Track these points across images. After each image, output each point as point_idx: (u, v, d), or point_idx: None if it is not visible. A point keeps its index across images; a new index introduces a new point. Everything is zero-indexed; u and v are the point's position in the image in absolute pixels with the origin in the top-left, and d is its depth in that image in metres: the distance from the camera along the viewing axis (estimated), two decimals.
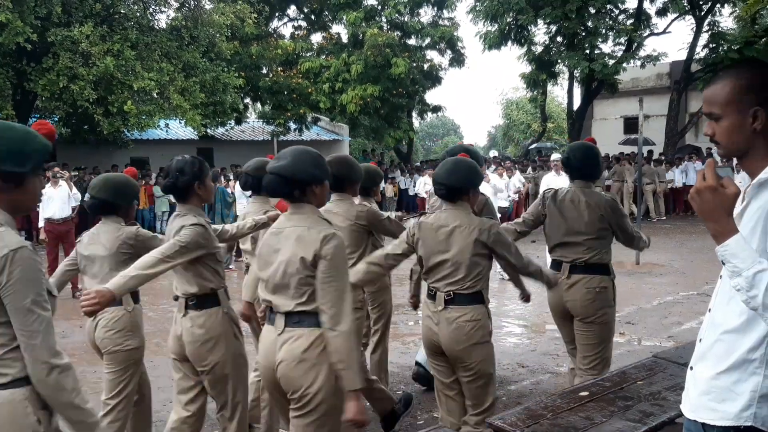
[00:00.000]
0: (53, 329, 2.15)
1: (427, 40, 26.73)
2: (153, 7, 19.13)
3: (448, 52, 27.29)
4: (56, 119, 19.28)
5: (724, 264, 1.80)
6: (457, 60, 27.30)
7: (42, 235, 9.87)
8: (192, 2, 19.01)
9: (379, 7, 25.79)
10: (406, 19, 26.04)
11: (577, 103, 26.11)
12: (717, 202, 1.78)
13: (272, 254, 2.92)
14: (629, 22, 22.99)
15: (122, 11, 17.73)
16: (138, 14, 18.01)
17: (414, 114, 29.26)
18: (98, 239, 3.85)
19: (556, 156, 11.87)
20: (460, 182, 3.56)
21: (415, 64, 25.53)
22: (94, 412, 2.21)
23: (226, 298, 3.60)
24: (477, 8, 23.89)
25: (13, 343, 2.09)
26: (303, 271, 2.79)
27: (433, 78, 26.98)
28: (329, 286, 2.76)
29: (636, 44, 22.77)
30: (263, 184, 3.00)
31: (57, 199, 9.63)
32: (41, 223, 9.66)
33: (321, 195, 3.00)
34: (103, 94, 16.71)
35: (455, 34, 26.56)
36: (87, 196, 3.98)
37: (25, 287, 2.06)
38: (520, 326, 7.77)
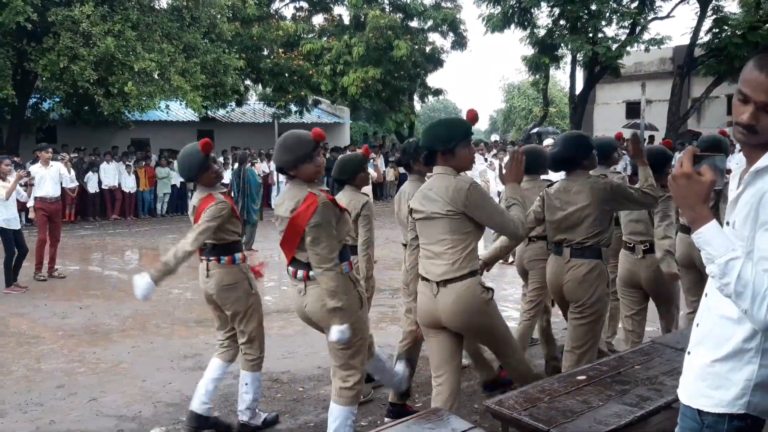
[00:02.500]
0: None
1: (429, 23, 26.58)
2: None
3: (450, 34, 27.16)
4: (57, 99, 19.23)
5: (700, 251, 1.81)
6: (459, 43, 27.20)
7: (31, 214, 9.90)
8: None
9: None
10: (408, 0, 25.85)
11: (579, 87, 25.97)
12: (692, 189, 1.80)
13: (564, 205, 4.08)
14: (633, 5, 22.84)
15: None
16: None
17: (415, 97, 29.17)
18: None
19: (549, 141, 11.87)
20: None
21: (416, 47, 25.42)
22: None
23: None
24: None
25: (468, 248, 3.43)
26: (587, 218, 3.98)
27: (434, 61, 26.87)
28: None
29: (640, 28, 22.62)
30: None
31: (49, 179, 9.64)
32: (31, 202, 9.63)
33: (590, 164, 4.17)
34: (103, 74, 16.63)
35: (458, 16, 26.42)
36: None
37: (487, 205, 3.41)
38: (517, 309, 7.77)
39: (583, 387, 3.26)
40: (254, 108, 29.49)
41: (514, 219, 3.42)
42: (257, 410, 4.52)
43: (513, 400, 3.10)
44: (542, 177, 5.40)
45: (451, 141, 3.43)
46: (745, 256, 1.75)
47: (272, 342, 6.58)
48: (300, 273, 3.64)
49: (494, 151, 18.65)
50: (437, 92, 29.16)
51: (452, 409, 3.43)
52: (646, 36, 22.59)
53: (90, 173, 17.82)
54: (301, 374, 5.60)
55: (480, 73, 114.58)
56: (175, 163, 19.79)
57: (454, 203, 3.36)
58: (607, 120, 29.24)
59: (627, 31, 23.08)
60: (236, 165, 12.68)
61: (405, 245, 4.53)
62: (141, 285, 3.89)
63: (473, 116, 3.49)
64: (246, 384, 4.41)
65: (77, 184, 11.12)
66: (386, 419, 4.46)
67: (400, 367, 4.48)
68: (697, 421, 1.99)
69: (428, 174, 4.49)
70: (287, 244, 3.64)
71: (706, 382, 1.96)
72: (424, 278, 3.55)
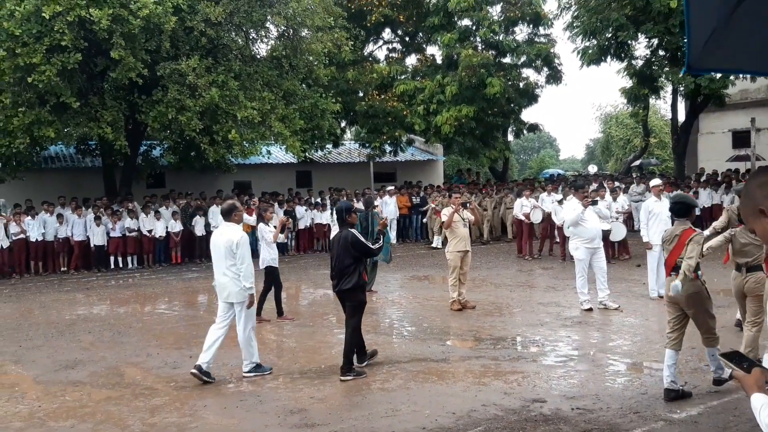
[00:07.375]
0: None
1: (523, 58, 26.29)
2: (254, 37, 19.82)
3: (545, 69, 26.76)
4: (165, 147, 20.25)
5: None
6: (554, 77, 26.74)
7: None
8: (291, 32, 19.54)
9: (474, 28, 25.67)
10: (500, 38, 25.73)
11: (681, 117, 25.09)
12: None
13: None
14: None
15: (225, 42, 18.37)
16: (240, 44, 18.66)
17: (509, 131, 28.84)
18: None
19: (656, 181, 11.50)
20: None
21: (510, 83, 25.19)
22: None
23: None
24: (574, 25, 23.43)
25: None
26: None
27: (529, 96, 26.48)
28: None
29: None
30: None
31: None
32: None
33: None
34: (208, 123, 17.35)
35: (552, 51, 26.04)
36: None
37: None
38: (628, 365, 7.49)
39: None
40: (350, 148, 30.03)
41: None
42: (715, 372, 6.40)
43: None
44: None
45: None
46: None
47: (374, 397, 6.59)
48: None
49: (594, 185, 18.17)
50: (532, 128, 28.57)
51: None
52: None
53: (197, 217, 18.58)
54: None
55: (575, 103, 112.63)
56: (276, 205, 20.48)
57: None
58: (713, 150, 28.04)
59: None
60: (363, 208, 13.21)
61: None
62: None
63: None
64: (712, 356, 6.30)
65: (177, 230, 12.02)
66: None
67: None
68: None
69: None
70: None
71: None
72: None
